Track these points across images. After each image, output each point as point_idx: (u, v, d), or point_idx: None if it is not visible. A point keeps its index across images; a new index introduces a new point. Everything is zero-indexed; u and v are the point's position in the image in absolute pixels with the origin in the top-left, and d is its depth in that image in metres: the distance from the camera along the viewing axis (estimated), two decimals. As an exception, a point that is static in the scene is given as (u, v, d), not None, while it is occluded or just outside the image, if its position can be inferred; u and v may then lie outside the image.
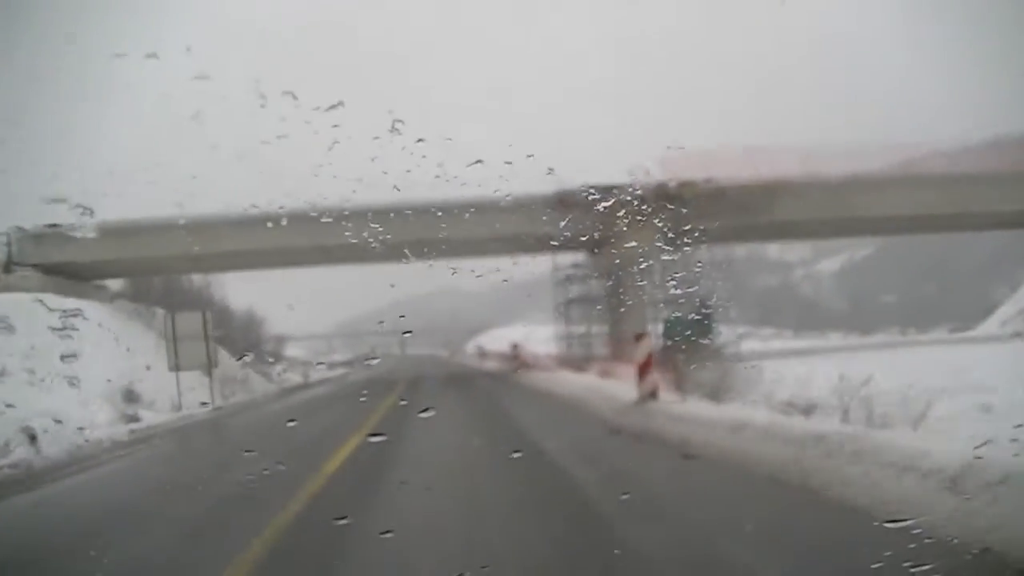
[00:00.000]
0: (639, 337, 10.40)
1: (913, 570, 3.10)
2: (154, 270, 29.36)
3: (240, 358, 28.24)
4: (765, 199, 22.03)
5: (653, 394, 10.37)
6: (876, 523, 4.05)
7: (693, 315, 13.45)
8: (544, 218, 8.30)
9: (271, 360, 35.98)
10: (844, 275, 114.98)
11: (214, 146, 6.93)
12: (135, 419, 15.33)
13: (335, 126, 4.65)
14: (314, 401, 21.72)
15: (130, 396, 17.36)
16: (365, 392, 20.53)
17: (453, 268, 6.26)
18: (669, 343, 13.59)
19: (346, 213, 6.51)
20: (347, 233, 6.17)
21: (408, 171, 4.89)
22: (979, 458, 4.59)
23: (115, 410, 14.69)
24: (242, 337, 36.59)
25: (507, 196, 5.87)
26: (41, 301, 12.95)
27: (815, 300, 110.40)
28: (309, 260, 24.13)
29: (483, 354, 45.29)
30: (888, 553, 3.37)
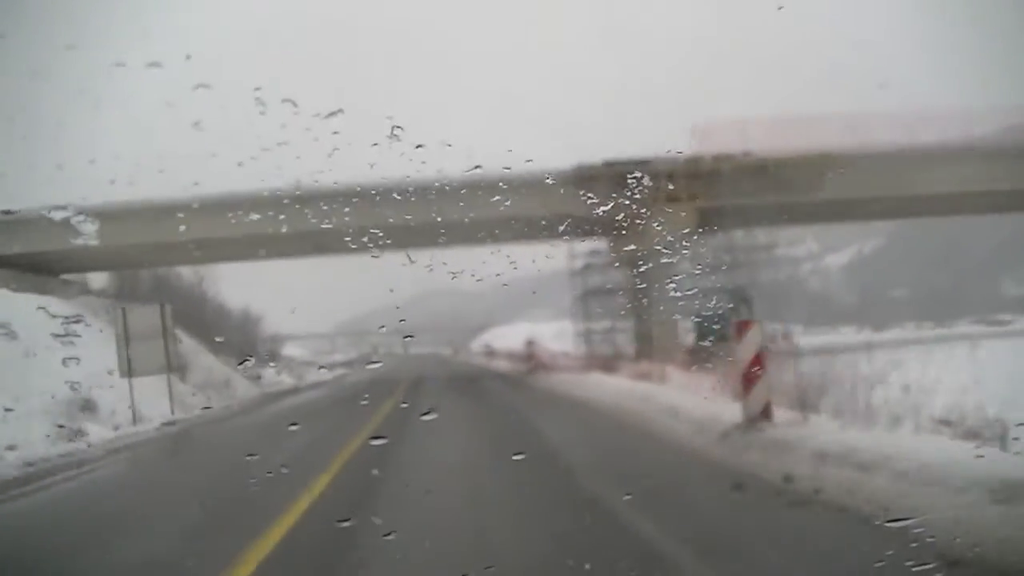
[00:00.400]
0: (741, 328, 7.11)
1: (915, 569, 3.03)
2: (135, 263, 27.00)
3: (242, 362, 27.24)
4: (812, 174, 19.48)
5: (765, 412, 7.30)
6: (878, 522, 3.94)
7: (734, 305, 11.17)
8: (559, 197, 7.66)
9: (271, 364, 34.13)
10: (853, 268, 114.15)
11: (214, 154, 7.06)
12: (82, 433, 12.82)
13: (335, 133, 4.66)
14: (303, 409, 19.37)
15: (86, 406, 14.90)
16: (366, 395, 18.14)
17: (453, 273, 5.73)
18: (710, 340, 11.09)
19: (347, 208, 6.48)
20: (348, 229, 6.01)
21: (407, 177, 4.98)
22: (980, 457, 4.66)
23: (52, 425, 12.19)
24: (239, 337, 35.00)
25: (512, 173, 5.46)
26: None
27: (824, 294, 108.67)
28: (303, 250, 21.89)
29: (491, 353, 43.09)
30: (890, 552, 3.33)
